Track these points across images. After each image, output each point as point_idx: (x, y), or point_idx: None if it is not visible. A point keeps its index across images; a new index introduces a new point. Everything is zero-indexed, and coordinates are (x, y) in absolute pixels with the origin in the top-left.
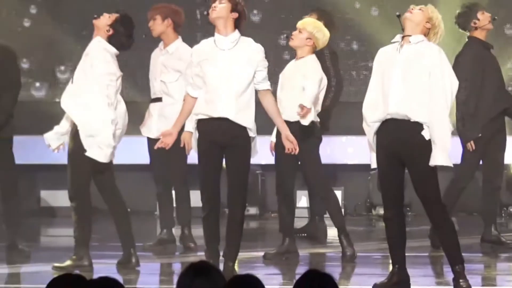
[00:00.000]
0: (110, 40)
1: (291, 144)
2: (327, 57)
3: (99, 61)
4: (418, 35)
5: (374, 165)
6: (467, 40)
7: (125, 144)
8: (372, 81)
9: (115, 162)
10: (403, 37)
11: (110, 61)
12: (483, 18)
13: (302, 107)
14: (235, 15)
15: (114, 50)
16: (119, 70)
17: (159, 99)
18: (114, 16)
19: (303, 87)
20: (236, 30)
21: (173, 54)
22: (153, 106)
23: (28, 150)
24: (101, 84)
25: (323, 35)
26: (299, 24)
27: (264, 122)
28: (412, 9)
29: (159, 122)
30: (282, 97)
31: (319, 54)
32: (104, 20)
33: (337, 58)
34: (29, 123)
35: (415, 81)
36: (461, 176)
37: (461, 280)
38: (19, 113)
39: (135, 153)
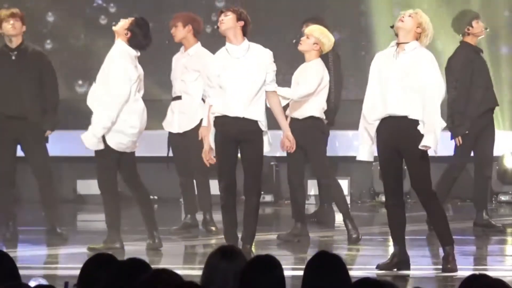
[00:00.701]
0: (130, 42)
1: (289, 143)
2: (330, 59)
3: (117, 63)
4: (412, 43)
5: (359, 157)
6: (459, 44)
7: (155, 138)
8: (370, 83)
9: (145, 154)
10: (398, 44)
11: (128, 63)
12: (477, 26)
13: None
14: (242, 23)
15: (134, 53)
16: (137, 71)
17: (179, 97)
18: (130, 20)
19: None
20: (245, 39)
21: (193, 56)
22: (174, 104)
23: (66, 143)
24: (111, 85)
25: (328, 40)
26: (307, 30)
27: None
28: (402, 17)
29: (180, 118)
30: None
31: (323, 56)
32: (123, 25)
33: (340, 61)
34: (68, 119)
35: (411, 85)
36: (454, 167)
37: (449, 259)
38: (61, 110)
39: (164, 145)
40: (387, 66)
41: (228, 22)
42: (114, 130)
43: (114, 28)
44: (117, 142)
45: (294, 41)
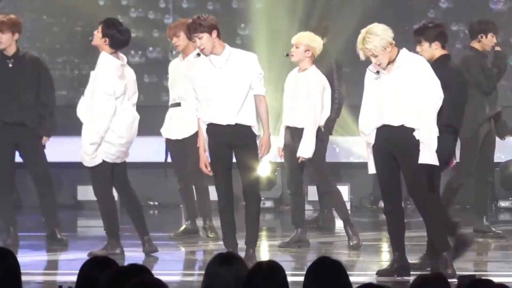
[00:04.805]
0: (112, 46)
1: (264, 149)
2: (334, 70)
3: (100, 77)
4: (401, 55)
5: (371, 171)
6: (469, 48)
7: (156, 144)
8: (365, 98)
9: (145, 160)
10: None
11: (112, 75)
12: (490, 39)
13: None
14: (215, 33)
15: (118, 62)
16: (123, 80)
17: (178, 104)
18: (100, 27)
19: (307, 97)
20: (226, 46)
21: (192, 64)
22: (172, 111)
23: (67, 149)
24: (96, 100)
25: (318, 43)
26: (294, 40)
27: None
28: (367, 53)
29: (179, 125)
30: (287, 105)
31: (328, 67)
32: (97, 36)
33: (342, 70)
34: (68, 125)
35: (406, 95)
36: (460, 173)
37: (447, 266)
38: (60, 116)
39: (164, 152)
40: (380, 80)
41: (207, 43)
42: (103, 140)
43: (92, 43)
44: (105, 152)
45: (285, 54)
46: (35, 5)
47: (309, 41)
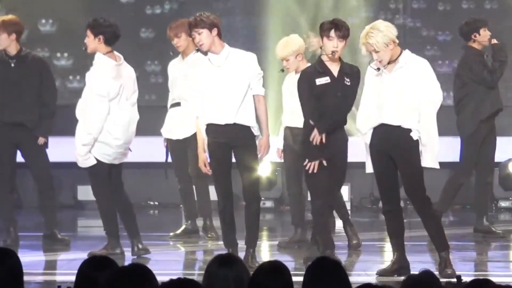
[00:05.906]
0: (107, 42)
1: (263, 151)
2: None
3: (94, 78)
4: (403, 55)
5: (368, 170)
6: (466, 48)
7: (156, 144)
8: (365, 96)
9: (145, 160)
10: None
11: (106, 76)
12: (484, 34)
13: None
14: (215, 30)
15: (113, 63)
16: (119, 80)
17: (178, 104)
18: (88, 32)
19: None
20: (225, 45)
21: (193, 63)
22: (172, 111)
23: (67, 149)
24: (89, 101)
25: (298, 43)
26: (279, 56)
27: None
28: (370, 48)
29: (180, 125)
30: (287, 106)
31: None
32: (90, 40)
33: None
34: (69, 124)
35: (408, 96)
36: (460, 173)
37: (446, 266)
38: (60, 116)
39: (163, 151)
40: (382, 79)
41: (206, 40)
42: (98, 141)
43: (88, 51)
44: (101, 153)
45: (281, 70)
46: (228, 5)
47: (291, 47)
